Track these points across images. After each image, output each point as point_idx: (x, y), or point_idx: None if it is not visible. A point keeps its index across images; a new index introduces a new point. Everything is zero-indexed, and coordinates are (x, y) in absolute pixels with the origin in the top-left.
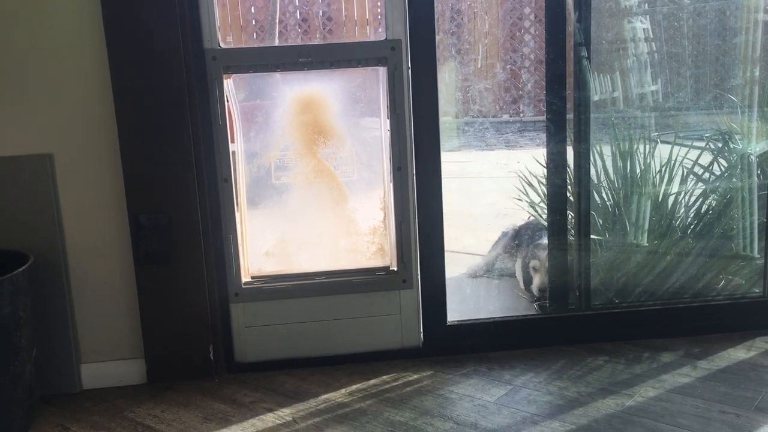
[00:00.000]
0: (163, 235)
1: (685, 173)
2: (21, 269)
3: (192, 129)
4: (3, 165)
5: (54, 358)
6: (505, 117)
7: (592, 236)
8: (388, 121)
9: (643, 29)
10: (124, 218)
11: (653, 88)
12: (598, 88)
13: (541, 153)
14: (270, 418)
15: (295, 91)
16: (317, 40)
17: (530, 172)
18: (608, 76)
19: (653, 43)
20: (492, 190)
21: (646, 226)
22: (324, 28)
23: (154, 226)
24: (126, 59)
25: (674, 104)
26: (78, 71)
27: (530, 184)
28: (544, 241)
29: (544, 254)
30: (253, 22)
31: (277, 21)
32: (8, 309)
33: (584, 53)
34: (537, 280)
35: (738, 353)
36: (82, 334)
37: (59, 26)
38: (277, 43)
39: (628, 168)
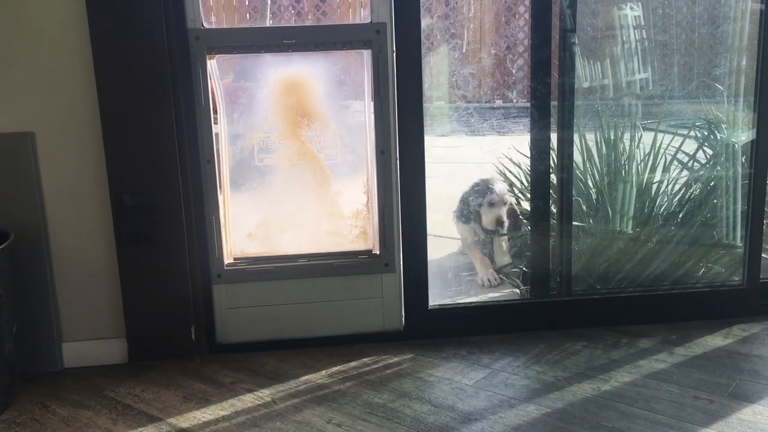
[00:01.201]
0: (145, 215)
1: (668, 161)
2: (1, 246)
3: (175, 109)
4: None
5: (35, 337)
6: (498, 102)
7: (574, 222)
8: (372, 104)
9: (634, 16)
10: (106, 198)
11: (642, 75)
12: (587, 74)
13: (512, 145)
14: (249, 399)
15: (279, 73)
16: (310, 21)
17: (511, 160)
18: (597, 63)
19: (643, 31)
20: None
21: (631, 213)
22: (318, 10)
23: (137, 206)
24: (108, 38)
25: (661, 92)
26: (60, 49)
27: (510, 171)
28: (498, 187)
29: (497, 189)
30: (246, 2)
31: (269, 1)
32: None
33: (572, 39)
34: (491, 215)
35: (715, 340)
36: (64, 312)
37: (41, 4)
38: (269, 24)
39: (613, 155)
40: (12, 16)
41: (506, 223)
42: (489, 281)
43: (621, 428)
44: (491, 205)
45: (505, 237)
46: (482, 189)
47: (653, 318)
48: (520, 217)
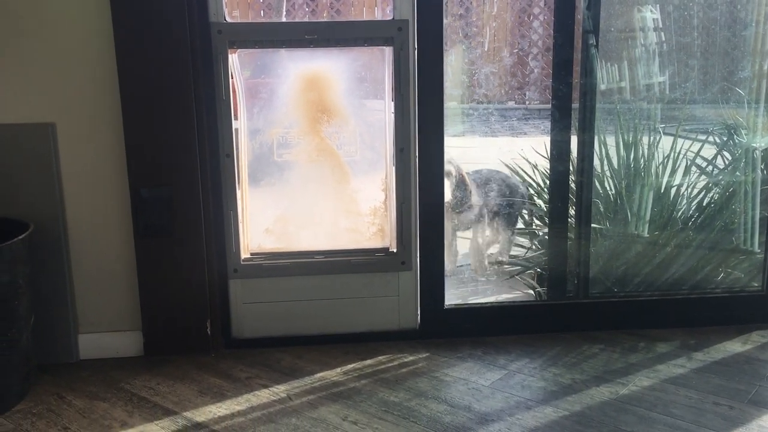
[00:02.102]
0: (163, 208)
1: (688, 164)
2: (20, 237)
3: (195, 103)
4: (5, 132)
5: (52, 328)
6: (511, 104)
7: (592, 225)
8: (392, 101)
9: (653, 19)
10: (125, 190)
11: (660, 79)
12: (605, 76)
13: (544, 141)
14: (265, 394)
15: (300, 69)
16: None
17: (527, 161)
18: (615, 65)
19: (662, 33)
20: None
21: (647, 217)
22: (332, 9)
23: (155, 199)
24: (131, 30)
25: (680, 96)
26: (82, 41)
27: (526, 172)
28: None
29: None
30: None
31: None
32: (7, 277)
33: (592, 41)
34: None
35: (734, 346)
36: (81, 304)
37: None
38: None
39: (632, 158)
40: (34, 7)
41: (457, 196)
42: (475, 271)
43: None
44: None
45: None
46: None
47: (671, 322)
48: (468, 187)
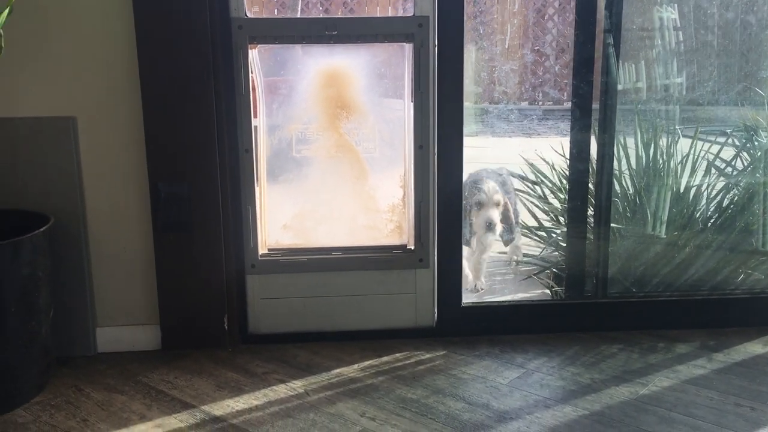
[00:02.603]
0: (182, 203)
1: (704, 166)
2: (41, 230)
3: (215, 98)
4: (26, 126)
5: (70, 321)
6: (524, 104)
7: (611, 224)
8: (411, 98)
9: (672, 18)
10: (144, 184)
11: (678, 80)
12: (623, 77)
13: (558, 142)
14: (282, 390)
15: (319, 65)
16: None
17: (543, 160)
18: (633, 65)
19: (680, 33)
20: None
21: (665, 218)
22: (345, 8)
23: (174, 193)
24: (152, 25)
25: (699, 96)
26: (103, 35)
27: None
28: (487, 185)
29: (486, 188)
30: None
31: None
32: (27, 269)
33: (612, 40)
34: (480, 218)
35: (755, 347)
36: (99, 298)
37: None
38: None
39: (650, 158)
40: (59, 2)
41: (498, 227)
42: (475, 287)
43: None
44: (479, 205)
45: (486, 256)
46: (470, 187)
47: (690, 323)
48: (515, 220)
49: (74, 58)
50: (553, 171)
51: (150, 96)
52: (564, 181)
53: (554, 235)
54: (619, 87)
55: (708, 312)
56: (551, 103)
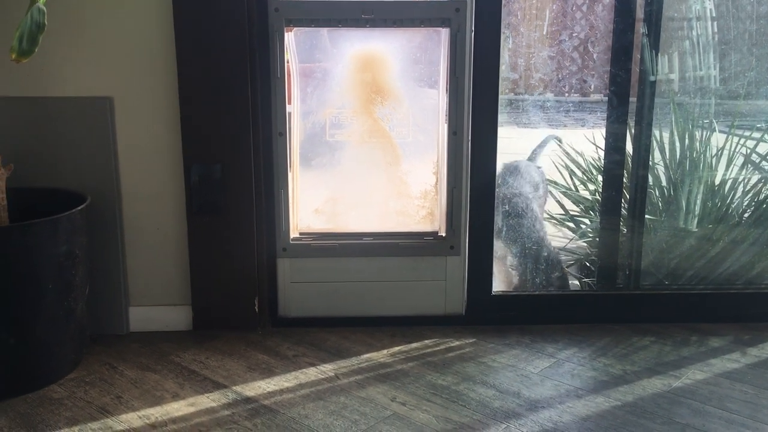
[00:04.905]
0: (216, 185)
1: (739, 160)
2: (79, 208)
3: (251, 80)
4: (64, 105)
5: (104, 300)
6: (549, 95)
7: (646, 216)
8: (447, 84)
9: (708, 9)
10: (179, 166)
11: (714, 72)
12: (658, 67)
13: (583, 134)
14: (312, 372)
15: (355, 48)
16: None
17: (573, 148)
18: (666, 56)
19: (716, 23)
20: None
21: (697, 211)
22: None
23: (209, 175)
24: (190, 7)
25: (735, 88)
26: (141, 15)
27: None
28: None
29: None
30: None
31: None
32: (65, 246)
33: (648, 29)
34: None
35: None
36: (132, 277)
37: None
38: None
39: (686, 149)
40: None
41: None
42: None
43: (695, 425)
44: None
45: None
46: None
47: (724, 317)
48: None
49: (112, 39)
50: (583, 159)
51: (187, 77)
52: (594, 172)
53: (583, 227)
54: (653, 78)
55: (742, 306)
56: (578, 94)
